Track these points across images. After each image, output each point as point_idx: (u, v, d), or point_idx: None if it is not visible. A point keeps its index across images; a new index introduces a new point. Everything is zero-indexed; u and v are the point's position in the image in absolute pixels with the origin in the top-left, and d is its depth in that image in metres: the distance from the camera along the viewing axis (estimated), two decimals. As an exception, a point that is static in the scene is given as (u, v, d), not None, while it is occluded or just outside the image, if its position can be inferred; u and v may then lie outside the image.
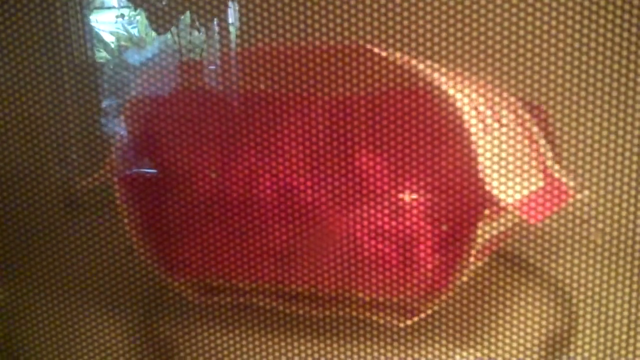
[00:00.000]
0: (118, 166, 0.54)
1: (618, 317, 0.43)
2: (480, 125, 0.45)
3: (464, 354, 0.46)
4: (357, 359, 0.47)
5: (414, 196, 0.47)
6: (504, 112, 0.47)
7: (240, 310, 0.50)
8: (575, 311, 0.46)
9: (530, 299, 0.48)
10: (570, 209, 0.45)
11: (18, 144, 0.51)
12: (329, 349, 0.47)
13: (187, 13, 0.50)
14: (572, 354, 0.45)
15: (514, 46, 0.41)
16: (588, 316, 0.43)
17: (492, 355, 0.45)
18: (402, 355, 0.47)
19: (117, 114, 0.54)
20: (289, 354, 0.48)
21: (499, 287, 0.45)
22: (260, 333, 0.49)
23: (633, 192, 0.42)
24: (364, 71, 0.44)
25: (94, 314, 0.50)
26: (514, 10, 0.41)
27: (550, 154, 0.49)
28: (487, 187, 0.44)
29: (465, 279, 0.48)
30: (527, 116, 0.49)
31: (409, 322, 0.49)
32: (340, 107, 0.46)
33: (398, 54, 0.45)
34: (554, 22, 0.40)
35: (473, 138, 0.44)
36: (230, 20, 0.51)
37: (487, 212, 0.46)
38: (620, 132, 0.41)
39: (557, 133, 0.44)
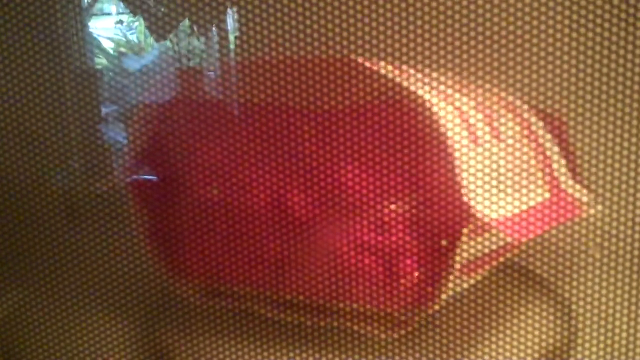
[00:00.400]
0: (129, 171, 0.54)
1: (618, 323, 0.43)
2: (465, 138, 0.44)
3: None
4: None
5: (393, 207, 0.47)
6: (509, 123, 0.47)
7: (242, 318, 0.50)
8: (576, 321, 0.47)
9: (530, 307, 0.48)
10: (580, 222, 0.45)
11: (17, 151, 0.51)
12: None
13: (186, 20, 0.50)
14: None
15: (527, 54, 0.40)
16: (588, 329, 0.43)
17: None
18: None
19: (126, 119, 0.54)
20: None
21: (499, 295, 0.45)
22: (261, 341, 0.49)
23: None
24: (347, 83, 0.44)
25: (96, 322, 0.50)
26: (525, 11, 0.40)
27: (562, 167, 0.49)
28: (468, 203, 0.43)
29: (460, 292, 0.48)
30: (538, 127, 0.49)
31: (395, 335, 0.49)
32: (323, 118, 0.46)
33: (385, 65, 0.45)
34: (574, 25, 0.40)
35: (454, 151, 0.44)
36: (229, 27, 0.51)
37: (469, 227, 0.45)
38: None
39: (577, 145, 0.44)
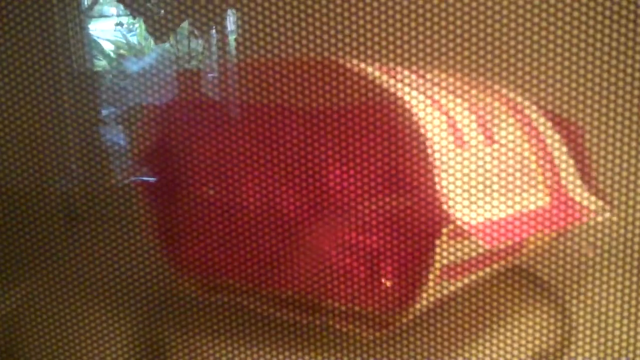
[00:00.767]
0: (134, 170, 0.54)
1: (617, 325, 0.43)
2: (448, 141, 0.44)
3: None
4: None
5: (372, 207, 0.47)
6: (508, 126, 0.46)
7: (238, 317, 0.50)
8: (571, 321, 0.47)
9: (526, 307, 0.48)
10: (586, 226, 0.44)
11: (16, 152, 0.51)
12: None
13: (186, 22, 0.50)
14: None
15: (542, 61, 0.40)
16: (582, 327, 0.43)
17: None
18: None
19: (126, 121, 0.54)
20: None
21: (494, 295, 0.45)
22: (257, 340, 0.49)
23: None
24: (328, 84, 0.44)
25: (94, 322, 0.50)
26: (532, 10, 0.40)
27: (571, 172, 0.48)
28: (446, 206, 0.43)
29: (449, 294, 0.48)
30: (547, 130, 0.48)
31: (377, 335, 0.48)
32: (304, 119, 0.46)
33: (370, 67, 0.45)
34: (590, 31, 0.39)
35: (432, 153, 0.44)
36: (229, 28, 0.51)
37: (447, 231, 0.45)
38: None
39: (592, 151, 0.43)
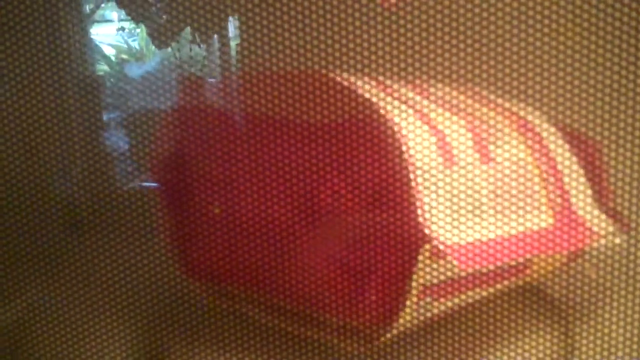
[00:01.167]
0: (155, 176, 0.54)
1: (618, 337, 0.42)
2: (432, 159, 0.43)
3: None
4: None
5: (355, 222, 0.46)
6: (510, 146, 0.45)
7: (236, 324, 0.50)
8: (574, 335, 0.46)
9: (532, 327, 0.48)
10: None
11: (19, 158, 0.51)
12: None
13: (188, 28, 0.50)
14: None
15: (554, 72, 0.38)
16: (585, 341, 0.43)
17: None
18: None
19: (129, 125, 0.54)
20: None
21: (498, 313, 0.44)
22: (255, 347, 0.50)
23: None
24: (313, 95, 0.44)
25: (98, 330, 0.51)
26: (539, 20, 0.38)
27: (581, 192, 0.46)
28: (423, 225, 0.42)
29: (440, 313, 0.47)
30: (557, 148, 0.47)
31: (361, 349, 0.48)
32: (286, 131, 0.46)
33: (359, 81, 0.45)
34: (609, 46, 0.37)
35: (414, 171, 0.43)
36: (230, 35, 0.51)
37: (425, 250, 0.44)
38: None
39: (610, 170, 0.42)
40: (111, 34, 0.61)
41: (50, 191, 0.53)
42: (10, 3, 0.48)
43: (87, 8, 0.57)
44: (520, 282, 0.50)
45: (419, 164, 0.43)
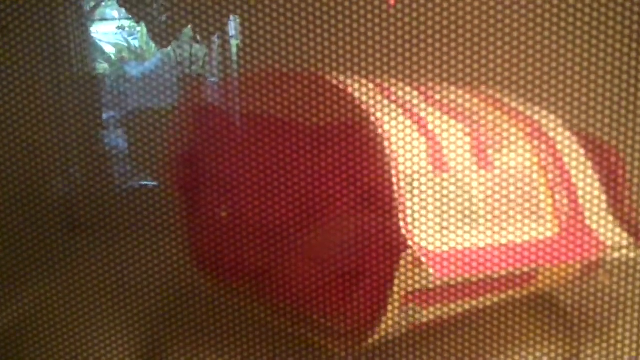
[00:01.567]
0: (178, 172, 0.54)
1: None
2: (417, 165, 0.42)
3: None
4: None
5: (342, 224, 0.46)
6: (515, 154, 0.44)
7: (247, 334, 0.50)
8: (579, 345, 0.45)
9: (536, 332, 0.47)
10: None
11: (17, 156, 0.51)
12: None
13: (188, 27, 0.50)
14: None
15: (569, 74, 0.36)
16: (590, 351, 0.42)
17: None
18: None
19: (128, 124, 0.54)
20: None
21: (503, 323, 0.44)
22: (256, 348, 0.49)
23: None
24: (309, 97, 0.43)
25: (96, 331, 0.50)
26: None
27: (595, 203, 0.44)
28: (403, 231, 0.42)
29: (431, 320, 0.47)
30: (572, 155, 0.45)
31: (348, 352, 0.48)
32: (283, 131, 0.46)
33: (355, 84, 0.44)
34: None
35: (396, 176, 0.42)
36: (232, 34, 0.51)
37: (404, 256, 0.43)
38: None
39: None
40: (111, 33, 0.61)
41: (47, 189, 0.52)
42: (10, 0, 0.48)
43: (88, 6, 0.57)
44: (526, 292, 0.49)
45: (403, 168, 0.42)
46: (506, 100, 0.44)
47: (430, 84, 0.44)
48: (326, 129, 0.44)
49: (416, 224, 0.42)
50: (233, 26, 0.51)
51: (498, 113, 0.45)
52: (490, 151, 0.44)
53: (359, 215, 0.45)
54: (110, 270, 0.50)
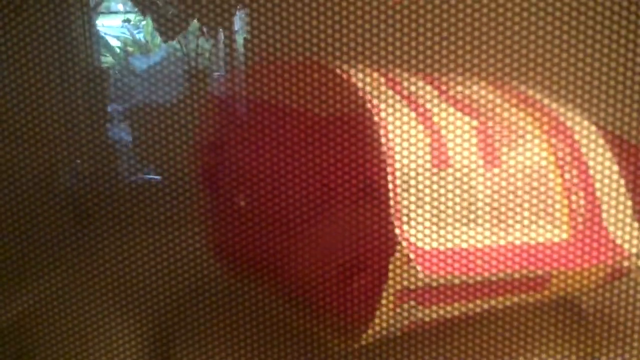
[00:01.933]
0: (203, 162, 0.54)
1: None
2: (415, 162, 0.41)
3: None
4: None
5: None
6: (531, 152, 0.42)
7: (258, 332, 0.50)
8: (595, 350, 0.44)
9: (549, 338, 0.46)
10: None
11: (22, 150, 0.51)
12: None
13: (195, 21, 0.50)
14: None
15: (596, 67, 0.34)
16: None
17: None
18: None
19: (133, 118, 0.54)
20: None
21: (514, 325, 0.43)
22: (264, 346, 0.49)
23: None
24: (312, 86, 0.43)
25: (103, 326, 0.50)
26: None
27: (618, 207, 0.42)
28: (396, 228, 0.41)
29: (430, 320, 0.46)
30: (597, 156, 0.42)
31: (344, 347, 0.47)
32: (288, 122, 0.45)
33: (359, 74, 0.43)
34: None
35: (392, 171, 0.41)
36: (237, 28, 0.51)
37: (396, 253, 0.42)
38: None
39: None
40: (117, 26, 0.61)
41: (52, 182, 0.52)
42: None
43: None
44: (540, 297, 0.47)
45: (400, 162, 0.41)
46: (526, 90, 0.43)
47: (445, 77, 0.44)
48: (328, 119, 0.43)
49: (412, 221, 0.41)
50: (239, 19, 0.51)
51: (515, 107, 0.44)
52: (500, 148, 0.43)
53: (354, 208, 0.44)
54: (117, 264, 0.50)
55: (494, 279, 0.43)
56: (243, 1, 0.48)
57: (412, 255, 0.41)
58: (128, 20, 0.60)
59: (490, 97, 0.44)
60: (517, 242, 0.42)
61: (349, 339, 0.48)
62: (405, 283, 0.43)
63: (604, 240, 0.42)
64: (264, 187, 0.47)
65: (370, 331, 0.46)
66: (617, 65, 0.34)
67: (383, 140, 0.41)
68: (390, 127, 0.42)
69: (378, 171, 0.42)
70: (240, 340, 0.49)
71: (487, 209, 0.42)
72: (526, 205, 0.42)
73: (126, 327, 0.51)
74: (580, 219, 0.43)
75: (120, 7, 0.60)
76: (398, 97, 0.44)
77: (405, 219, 0.41)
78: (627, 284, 0.43)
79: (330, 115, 0.43)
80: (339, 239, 0.46)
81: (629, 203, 0.42)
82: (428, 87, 0.44)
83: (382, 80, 0.44)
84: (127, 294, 0.50)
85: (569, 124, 0.44)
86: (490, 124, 0.44)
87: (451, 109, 0.44)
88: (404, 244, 0.41)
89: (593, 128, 0.43)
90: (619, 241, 0.42)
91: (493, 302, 0.46)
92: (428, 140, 0.42)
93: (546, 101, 0.44)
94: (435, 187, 0.42)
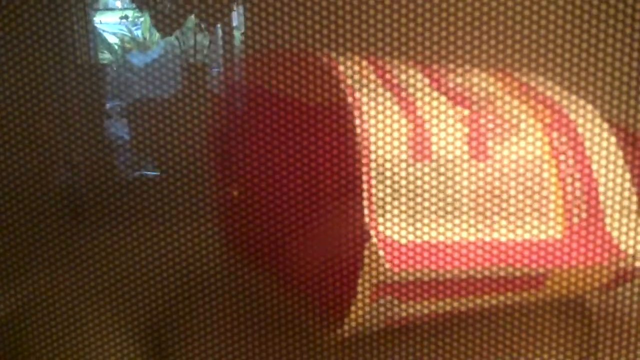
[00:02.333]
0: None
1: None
2: (389, 153, 0.40)
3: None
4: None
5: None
6: (524, 144, 0.41)
7: (253, 332, 0.50)
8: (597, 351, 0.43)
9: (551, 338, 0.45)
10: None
11: (20, 147, 0.51)
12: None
13: (192, 17, 0.50)
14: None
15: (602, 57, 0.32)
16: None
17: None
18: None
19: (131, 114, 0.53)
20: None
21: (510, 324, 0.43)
22: (260, 344, 0.49)
23: None
24: (299, 75, 0.42)
25: (99, 325, 0.50)
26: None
27: (622, 206, 0.39)
28: (367, 221, 0.40)
29: (413, 315, 0.45)
30: (601, 151, 0.40)
31: (324, 341, 0.47)
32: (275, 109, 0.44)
33: (347, 62, 0.42)
34: None
35: (367, 163, 0.40)
36: (235, 23, 0.51)
37: (368, 246, 0.41)
38: None
39: None
40: (114, 23, 0.61)
41: (50, 179, 0.52)
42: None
43: (91, -4, 0.57)
44: (535, 296, 0.46)
45: (374, 155, 0.40)
46: (528, 81, 0.42)
47: (443, 67, 0.43)
48: (308, 107, 0.42)
49: (387, 214, 0.40)
50: (236, 14, 0.50)
51: (514, 98, 0.43)
52: (493, 139, 0.41)
53: (329, 199, 0.43)
54: (114, 261, 0.50)
55: (478, 276, 0.42)
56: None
57: (380, 251, 0.40)
58: (126, 17, 0.60)
59: (488, 87, 0.43)
60: (503, 239, 0.41)
61: (326, 331, 0.46)
62: (381, 277, 0.41)
63: (603, 240, 0.41)
64: (250, 178, 0.46)
65: (346, 325, 0.45)
66: (626, 54, 0.33)
67: (358, 130, 0.40)
68: (365, 117, 0.40)
69: (352, 162, 0.41)
70: (235, 339, 0.49)
71: (472, 204, 0.40)
72: (513, 200, 0.41)
73: (122, 325, 0.50)
74: (576, 218, 0.41)
75: (118, 4, 0.60)
76: (383, 88, 0.42)
77: (380, 211, 0.40)
78: (632, 283, 0.42)
79: (310, 102, 0.42)
80: (315, 229, 0.45)
81: (635, 200, 0.40)
82: (420, 77, 0.43)
83: (372, 69, 0.43)
84: (124, 291, 0.50)
85: (572, 116, 0.42)
86: (483, 113, 0.42)
87: (443, 98, 0.42)
88: (374, 237, 0.40)
89: (599, 121, 0.41)
90: (622, 246, 0.41)
91: (479, 301, 0.44)
92: (408, 131, 0.41)
93: (549, 92, 0.43)
94: (412, 179, 0.40)
